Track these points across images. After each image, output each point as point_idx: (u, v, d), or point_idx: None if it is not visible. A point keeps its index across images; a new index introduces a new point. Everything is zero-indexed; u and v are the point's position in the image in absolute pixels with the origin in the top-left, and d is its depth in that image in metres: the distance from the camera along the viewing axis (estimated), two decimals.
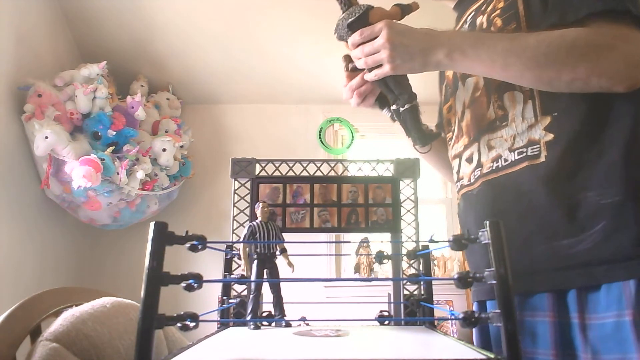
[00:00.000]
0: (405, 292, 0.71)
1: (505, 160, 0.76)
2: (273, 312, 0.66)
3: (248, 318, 0.63)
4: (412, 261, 0.73)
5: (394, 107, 0.77)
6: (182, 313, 0.41)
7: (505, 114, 0.77)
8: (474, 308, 0.87)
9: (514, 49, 0.68)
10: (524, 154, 0.73)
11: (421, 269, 0.70)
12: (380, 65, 0.73)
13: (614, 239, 0.64)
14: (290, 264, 0.67)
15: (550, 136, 0.71)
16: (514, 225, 0.72)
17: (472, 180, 0.83)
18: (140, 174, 2.04)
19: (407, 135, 0.80)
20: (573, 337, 0.67)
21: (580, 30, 0.66)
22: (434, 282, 0.73)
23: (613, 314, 0.62)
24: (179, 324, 0.40)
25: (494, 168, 0.78)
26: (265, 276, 0.65)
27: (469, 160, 0.84)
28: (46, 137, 1.81)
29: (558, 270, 0.68)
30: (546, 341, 0.69)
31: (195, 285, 0.43)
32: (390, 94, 0.77)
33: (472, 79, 0.84)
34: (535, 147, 0.72)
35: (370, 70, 0.75)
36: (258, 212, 0.68)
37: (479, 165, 0.81)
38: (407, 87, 0.76)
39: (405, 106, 0.75)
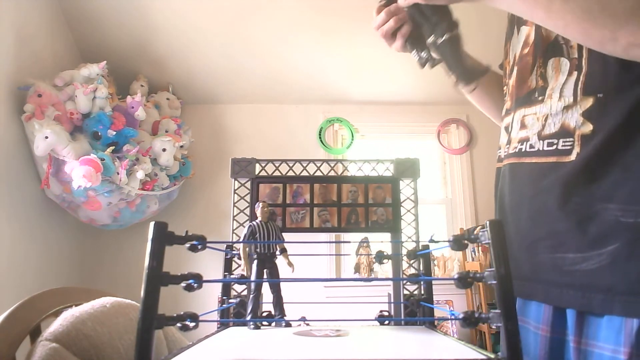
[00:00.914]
0: (405, 292, 0.71)
1: (532, 146, 0.67)
2: (273, 312, 0.66)
3: (248, 318, 0.63)
4: (412, 261, 0.72)
5: (431, 39, 0.66)
6: (182, 313, 0.41)
7: (545, 86, 0.66)
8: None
9: None
10: (554, 146, 0.63)
11: (421, 269, 0.70)
12: None
13: (620, 267, 0.55)
14: (290, 264, 0.67)
15: (589, 127, 0.59)
16: (524, 225, 0.67)
17: (502, 156, 0.75)
18: (140, 174, 2.04)
19: (448, 73, 0.68)
20: (567, 359, 0.62)
21: None
22: (434, 282, 0.73)
23: (610, 348, 0.56)
24: (179, 324, 0.40)
25: (517, 151, 0.70)
26: (265, 276, 0.65)
27: (507, 129, 0.75)
28: (46, 137, 1.81)
29: (557, 285, 0.62)
30: (535, 356, 0.65)
31: (195, 285, 0.43)
32: (427, 23, 0.66)
33: (526, 28, 0.71)
34: (568, 140, 0.62)
35: None
36: (258, 212, 0.67)
37: (509, 141, 0.73)
38: (446, 13, 0.65)
39: (445, 36, 0.64)
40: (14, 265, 1.86)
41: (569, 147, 0.62)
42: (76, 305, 0.92)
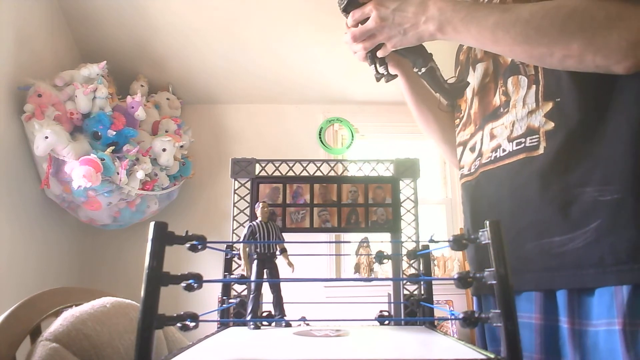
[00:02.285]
0: (405, 292, 0.71)
1: (504, 150, 0.73)
2: (273, 312, 0.66)
3: (248, 318, 0.63)
4: (412, 261, 0.72)
5: (415, 69, 0.81)
6: (182, 313, 0.41)
7: (508, 100, 0.74)
8: (474, 303, 0.86)
9: (503, 23, 0.65)
10: (522, 144, 0.70)
11: (421, 269, 0.70)
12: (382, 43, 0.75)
13: (607, 240, 0.60)
14: (290, 264, 0.67)
15: (551, 125, 0.67)
16: (507, 220, 0.70)
17: (472, 170, 0.81)
18: (140, 174, 2.04)
19: (434, 92, 0.87)
20: (562, 343, 0.63)
21: (581, 0, 0.61)
22: (434, 282, 0.73)
23: (604, 322, 0.58)
24: (179, 324, 0.40)
25: (492, 158, 0.75)
26: (265, 276, 0.65)
27: (472, 149, 0.82)
28: (46, 137, 1.81)
29: (547, 270, 0.65)
30: (531, 344, 0.66)
31: (195, 285, 0.43)
32: (408, 57, 0.80)
33: (482, 64, 0.81)
34: (534, 137, 0.69)
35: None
36: (258, 212, 0.67)
37: (479, 154, 0.79)
38: (419, 50, 0.78)
39: (422, 70, 0.79)
40: (14, 265, 1.86)
41: (535, 143, 0.68)
42: (76, 305, 0.92)
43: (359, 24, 0.76)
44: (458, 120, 0.91)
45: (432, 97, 0.98)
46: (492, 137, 0.76)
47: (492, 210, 0.75)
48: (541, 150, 0.67)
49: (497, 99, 0.76)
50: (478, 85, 0.82)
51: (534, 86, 0.70)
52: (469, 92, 0.85)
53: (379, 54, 0.77)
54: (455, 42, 0.76)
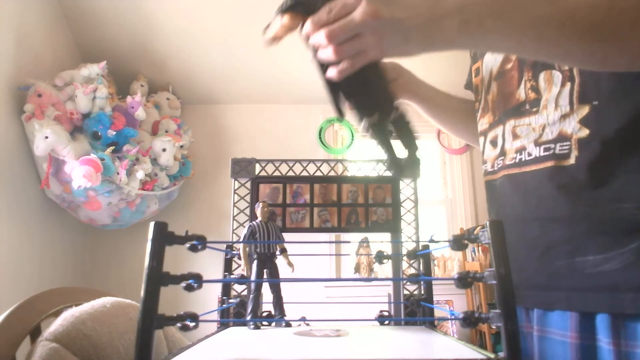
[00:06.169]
0: (405, 292, 0.71)
1: (529, 154, 0.66)
2: (273, 312, 0.66)
3: (248, 318, 0.63)
4: (412, 261, 0.72)
5: (369, 118, 0.60)
6: (182, 313, 0.41)
7: (538, 98, 0.65)
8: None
9: (557, 16, 0.49)
10: (551, 151, 0.63)
11: (421, 269, 0.70)
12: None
13: None
14: (290, 264, 0.67)
15: (585, 132, 0.60)
16: (535, 233, 0.65)
17: (495, 168, 0.75)
18: (140, 174, 2.04)
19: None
20: None
21: None
22: (434, 282, 0.73)
23: None
24: (179, 324, 0.40)
25: (516, 161, 0.68)
26: (265, 276, 0.65)
27: (493, 143, 0.75)
28: (46, 137, 1.81)
29: (580, 291, 0.60)
30: None
31: (195, 285, 0.43)
32: (368, 98, 0.57)
33: None
34: (565, 144, 0.61)
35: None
36: (258, 212, 0.67)
37: (502, 153, 0.72)
38: (369, 95, 0.56)
39: (392, 115, 0.58)
40: (13, 265, 1.86)
41: (566, 151, 0.62)
42: (76, 305, 0.92)
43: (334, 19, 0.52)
44: (477, 103, 0.82)
45: (452, 107, 0.91)
46: (515, 136, 0.69)
47: (518, 220, 0.69)
48: (572, 160, 0.61)
49: (523, 93, 0.67)
50: (497, 69, 0.72)
51: (568, 84, 0.61)
52: (485, 73, 0.75)
53: (351, 62, 0.52)
54: (479, 49, 0.62)
